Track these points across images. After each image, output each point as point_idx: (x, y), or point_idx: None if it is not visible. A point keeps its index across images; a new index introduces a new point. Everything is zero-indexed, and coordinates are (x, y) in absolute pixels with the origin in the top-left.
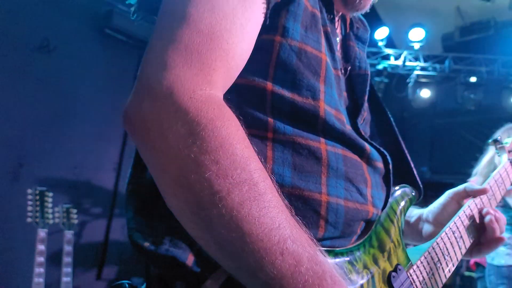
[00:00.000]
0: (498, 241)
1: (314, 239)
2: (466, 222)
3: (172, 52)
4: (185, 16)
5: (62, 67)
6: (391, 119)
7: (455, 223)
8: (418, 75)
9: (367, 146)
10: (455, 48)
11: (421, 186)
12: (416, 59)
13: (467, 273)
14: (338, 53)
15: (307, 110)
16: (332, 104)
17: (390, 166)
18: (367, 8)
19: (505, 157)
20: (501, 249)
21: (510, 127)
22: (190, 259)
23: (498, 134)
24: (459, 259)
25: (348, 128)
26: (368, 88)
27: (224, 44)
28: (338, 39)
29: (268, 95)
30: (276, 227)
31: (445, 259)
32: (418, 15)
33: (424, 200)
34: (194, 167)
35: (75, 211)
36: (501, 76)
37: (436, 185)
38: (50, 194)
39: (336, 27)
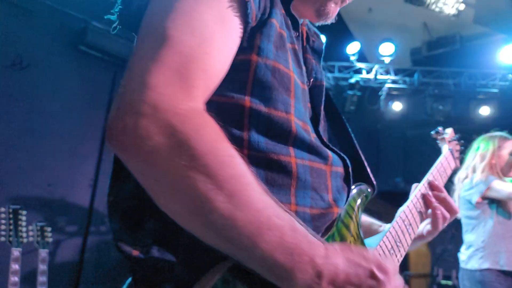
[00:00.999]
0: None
1: (290, 211)
2: (414, 210)
3: (155, 71)
4: (167, 37)
5: (36, 84)
6: (345, 121)
7: (404, 212)
8: (389, 88)
9: (330, 153)
10: (423, 62)
11: (374, 182)
12: (387, 72)
13: (443, 282)
14: (304, 68)
15: (281, 123)
16: (300, 117)
17: (350, 169)
18: (334, 16)
19: (445, 147)
20: (475, 253)
21: (492, 136)
22: (178, 264)
23: (479, 143)
24: (409, 244)
25: (313, 136)
26: (323, 98)
27: (202, 65)
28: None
29: (246, 110)
30: (262, 208)
31: (397, 246)
32: (387, 31)
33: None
34: (188, 173)
35: (49, 229)
36: (467, 88)
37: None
38: (24, 212)
39: (300, 43)
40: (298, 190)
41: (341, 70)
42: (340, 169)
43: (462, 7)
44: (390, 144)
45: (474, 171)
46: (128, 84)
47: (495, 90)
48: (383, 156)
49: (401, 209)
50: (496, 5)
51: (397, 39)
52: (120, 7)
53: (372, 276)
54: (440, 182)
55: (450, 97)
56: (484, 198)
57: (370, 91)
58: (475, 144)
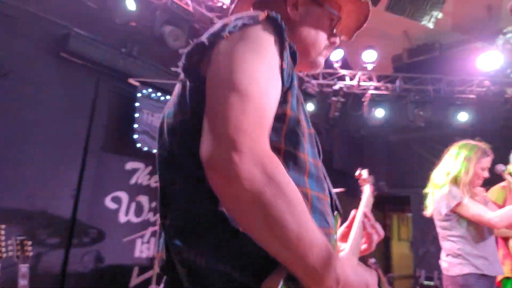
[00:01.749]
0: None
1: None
2: (360, 230)
3: (245, 120)
4: (247, 93)
5: (16, 91)
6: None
7: (357, 228)
8: (372, 94)
9: (326, 186)
10: (405, 69)
11: (340, 208)
12: (370, 79)
13: (426, 282)
14: (307, 115)
15: (301, 161)
16: (311, 155)
17: (333, 197)
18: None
19: (367, 186)
20: (454, 260)
21: (474, 147)
22: (239, 272)
23: (460, 152)
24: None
25: (321, 172)
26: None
27: (269, 115)
28: None
29: (282, 152)
30: (312, 229)
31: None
32: (370, 38)
33: (383, 213)
34: (274, 202)
35: (29, 243)
36: (446, 94)
37: (394, 198)
38: (3, 226)
39: None
40: (312, 213)
41: (325, 76)
42: (329, 198)
43: (440, 15)
44: (373, 149)
45: (452, 182)
46: (225, 128)
47: (472, 96)
48: (367, 160)
49: (354, 226)
50: (474, 13)
51: (379, 46)
52: (184, 62)
53: (367, 284)
54: (369, 212)
55: (430, 103)
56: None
57: (354, 97)
58: (455, 150)
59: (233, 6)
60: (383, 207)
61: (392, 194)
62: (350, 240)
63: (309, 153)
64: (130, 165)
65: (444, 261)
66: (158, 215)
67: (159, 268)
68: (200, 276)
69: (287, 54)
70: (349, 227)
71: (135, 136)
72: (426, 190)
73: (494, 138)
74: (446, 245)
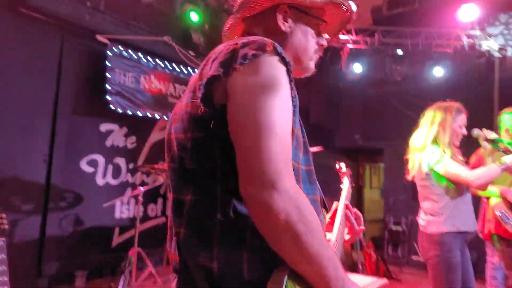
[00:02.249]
0: (357, 233)
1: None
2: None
3: (275, 161)
4: (273, 133)
5: None
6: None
7: (341, 219)
8: (350, 49)
9: (317, 187)
10: (384, 22)
11: (327, 205)
12: (348, 32)
13: (394, 227)
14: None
15: (296, 171)
16: (304, 163)
17: (322, 196)
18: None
19: (345, 178)
20: (433, 219)
21: (448, 107)
22: (252, 277)
23: (436, 113)
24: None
25: (312, 170)
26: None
27: (290, 149)
28: None
29: None
30: (327, 247)
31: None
32: None
33: (356, 164)
34: (303, 230)
35: (4, 216)
36: (424, 48)
37: (368, 151)
38: None
39: None
40: None
41: None
42: (320, 198)
43: None
44: (350, 102)
45: (431, 141)
46: (262, 170)
47: (449, 50)
48: (344, 113)
49: (337, 217)
50: None
51: None
52: (202, 94)
53: None
54: (349, 202)
55: (408, 57)
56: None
57: (332, 51)
58: (430, 113)
59: (228, 22)
60: (357, 158)
61: (366, 147)
62: (334, 231)
63: (302, 162)
64: (104, 127)
65: (422, 219)
66: (136, 176)
67: (172, 268)
68: (215, 278)
69: (293, 81)
70: (332, 218)
71: (108, 98)
72: (406, 157)
73: (468, 92)
74: (426, 204)
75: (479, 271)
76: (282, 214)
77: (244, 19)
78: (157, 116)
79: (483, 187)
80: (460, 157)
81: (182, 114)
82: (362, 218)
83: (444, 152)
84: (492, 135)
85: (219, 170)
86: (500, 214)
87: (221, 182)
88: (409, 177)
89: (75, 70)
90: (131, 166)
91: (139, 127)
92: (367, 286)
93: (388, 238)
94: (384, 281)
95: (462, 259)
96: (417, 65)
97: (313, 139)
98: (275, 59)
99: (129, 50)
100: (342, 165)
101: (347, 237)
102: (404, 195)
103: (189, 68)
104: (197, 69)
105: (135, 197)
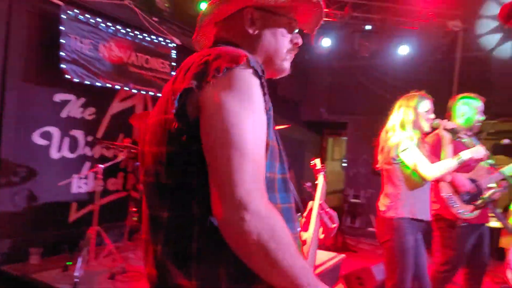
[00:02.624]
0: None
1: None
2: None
3: (246, 181)
4: (244, 151)
5: None
6: None
7: (316, 220)
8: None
9: (292, 195)
10: None
11: (301, 208)
12: None
13: (353, 200)
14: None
15: (271, 181)
16: (280, 172)
17: (297, 201)
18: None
19: (320, 176)
20: (392, 204)
21: (412, 95)
22: None
23: (401, 103)
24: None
25: (288, 178)
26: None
27: (263, 164)
28: None
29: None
30: (298, 258)
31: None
32: None
33: (320, 137)
34: (274, 247)
35: None
36: (392, 24)
37: (332, 124)
38: None
39: None
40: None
41: None
42: (294, 205)
43: None
44: (317, 75)
45: (399, 127)
46: (233, 191)
47: (416, 28)
48: (310, 87)
49: (312, 217)
50: None
51: None
52: (176, 110)
53: None
54: (323, 201)
55: (376, 33)
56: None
57: None
58: (398, 103)
59: (200, 23)
60: (322, 131)
61: (331, 120)
62: (310, 230)
63: (278, 170)
64: (59, 97)
65: (382, 203)
66: (95, 149)
67: (149, 283)
68: None
69: (267, 93)
70: (308, 217)
71: (63, 66)
72: (376, 150)
73: (432, 70)
74: (388, 189)
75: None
76: (254, 235)
77: (216, 22)
78: (117, 87)
79: (438, 179)
80: (426, 146)
81: (155, 126)
82: (336, 217)
83: (412, 139)
84: (450, 125)
85: (195, 186)
86: (447, 197)
87: (198, 197)
88: (377, 166)
89: (25, 34)
90: (89, 138)
91: (98, 98)
92: (326, 261)
93: (347, 210)
94: (342, 256)
95: (415, 245)
96: (385, 42)
97: (279, 112)
98: (248, 72)
99: (86, 14)
100: (317, 161)
101: (321, 236)
102: (364, 169)
103: (152, 36)
104: (162, 37)
105: (94, 173)
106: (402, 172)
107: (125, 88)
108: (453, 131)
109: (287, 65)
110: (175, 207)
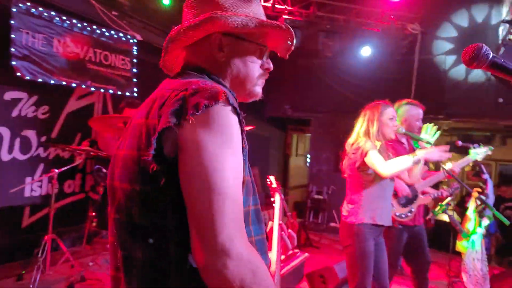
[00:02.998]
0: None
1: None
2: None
3: (228, 225)
4: (223, 194)
5: None
6: None
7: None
8: (285, 19)
9: (263, 224)
10: None
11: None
12: (284, 2)
13: (316, 197)
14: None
15: (246, 215)
16: (253, 203)
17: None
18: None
19: (277, 195)
20: (355, 210)
21: (375, 105)
22: None
23: (366, 112)
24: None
25: (259, 207)
26: None
27: (241, 204)
28: None
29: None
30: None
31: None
32: None
33: (285, 133)
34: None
35: None
36: (355, 25)
37: (296, 121)
38: None
39: None
40: (253, 225)
41: None
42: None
43: None
44: (282, 73)
45: (363, 136)
46: (214, 237)
47: (377, 30)
48: (274, 84)
49: (274, 238)
50: None
51: None
52: (154, 151)
53: None
54: (282, 222)
55: (339, 34)
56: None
57: None
58: (363, 113)
59: (166, 49)
60: (286, 127)
61: (295, 117)
62: (273, 251)
63: (251, 203)
64: (9, 95)
65: (345, 209)
66: (50, 150)
67: None
68: None
69: (244, 131)
70: (269, 235)
71: (13, 63)
72: (342, 156)
73: (392, 71)
74: (351, 195)
75: None
76: (237, 281)
77: (185, 46)
78: (74, 85)
79: (394, 176)
80: (390, 154)
81: (127, 161)
82: (295, 239)
83: (374, 145)
84: (402, 130)
85: (172, 227)
86: None
87: (175, 238)
88: (345, 175)
89: None
90: (43, 139)
91: (52, 96)
92: (290, 260)
93: (310, 206)
94: (305, 255)
95: (375, 249)
96: (348, 42)
97: (244, 109)
98: (227, 110)
99: (39, 8)
100: (272, 179)
101: (283, 257)
102: (326, 166)
103: (112, 31)
104: (122, 32)
105: (49, 177)
106: (365, 180)
107: (83, 86)
108: (407, 136)
109: (258, 90)
110: (151, 249)
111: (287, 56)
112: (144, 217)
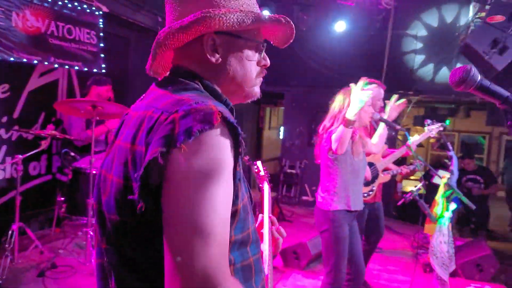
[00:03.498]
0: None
1: None
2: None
3: (211, 266)
4: (209, 233)
5: None
6: None
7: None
8: None
9: (259, 242)
10: None
11: None
12: None
13: (289, 171)
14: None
15: (246, 237)
16: (251, 223)
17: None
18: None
19: (265, 184)
20: (329, 197)
21: (347, 91)
22: None
23: (342, 97)
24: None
25: (255, 226)
26: None
27: (227, 240)
28: None
29: (231, 242)
30: None
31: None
32: None
33: (258, 106)
34: None
35: None
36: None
37: (269, 94)
38: None
39: None
40: (256, 276)
41: None
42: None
43: None
44: None
45: (334, 122)
46: (195, 264)
47: (351, 4)
48: None
49: (265, 231)
50: None
51: None
52: (139, 188)
53: None
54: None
55: (315, 7)
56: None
57: None
58: (340, 97)
59: (154, 55)
60: (259, 101)
61: (268, 90)
62: (265, 242)
63: (250, 223)
64: None
65: (320, 195)
66: (11, 132)
67: None
68: None
69: (242, 153)
70: (259, 228)
71: None
72: (313, 142)
73: (366, 45)
74: (325, 182)
75: None
76: None
77: (176, 50)
78: (35, 61)
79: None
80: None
81: (113, 188)
82: (283, 232)
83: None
84: (377, 116)
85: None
86: None
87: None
88: (318, 161)
89: None
90: (4, 119)
91: (12, 73)
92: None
93: (283, 180)
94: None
95: (350, 233)
96: (323, 16)
97: None
98: (222, 135)
99: None
100: (259, 165)
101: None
102: (299, 141)
103: (75, 2)
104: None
105: (13, 164)
106: (337, 167)
107: (45, 63)
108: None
109: (257, 90)
110: (145, 283)
111: (283, 47)
112: (135, 251)
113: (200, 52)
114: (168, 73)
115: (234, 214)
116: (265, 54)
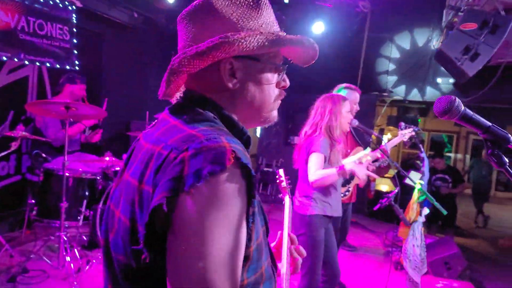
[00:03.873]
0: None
1: None
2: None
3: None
4: (211, 257)
5: None
6: None
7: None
8: None
9: (274, 278)
10: None
11: None
12: None
13: (265, 169)
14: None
15: (259, 278)
16: (265, 260)
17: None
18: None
19: (287, 197)
20: (307, 202)
21: (336, 98)
22: None
23: (326, 105)
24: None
25: (270, 259)
26: None
27: (239, 272)
28: None
29: (243, 286)
30: None
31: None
32: None
33: None
34: None
35: None
36: (307, 0)
37: None
38: None
39: None
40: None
41: None
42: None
43: None
44: None
45: (325, 129)
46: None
47: (329, 5)
48: None
49: (284, 249)
50: None
51: None
52: (143, 246)
53: None
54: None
55: (293, 7)
56: None
57: None
58: (321, 103)
59: (168, 82)
60: None
61: None
62: (283, 262)
63: (264, 259)
64: None
65: (298, 200)
66: None
67: None
68: None
69: (255, 197)
70: (278, 247)
71: None
72: (289, 141)
73: (343, 47)
74: (303, 187)
75: None
76: None
77: (190, 75)
78: (4, 58)
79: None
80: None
81: (120, 228)
82: (303, 252)
83: (332, 143)
84: (355, 123)
85: None
86: None
87: None
88: (296, 167)
89: None
90: None
91: None
92: None
93: (259, 178)
94: None
95: (326, 237)
96: (301, 17)
97: None
98: (235, 177)
99: None
100: (281, 173)
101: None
102: (276, 140)
103: None
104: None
105: None
106: None
107: (15, 59)
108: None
109: (275, 114)
110: None
111: (305, 66)
112: None
113: (216, 76)
114: (180, 94)
115: (246, 257)
116: (285, 75)
